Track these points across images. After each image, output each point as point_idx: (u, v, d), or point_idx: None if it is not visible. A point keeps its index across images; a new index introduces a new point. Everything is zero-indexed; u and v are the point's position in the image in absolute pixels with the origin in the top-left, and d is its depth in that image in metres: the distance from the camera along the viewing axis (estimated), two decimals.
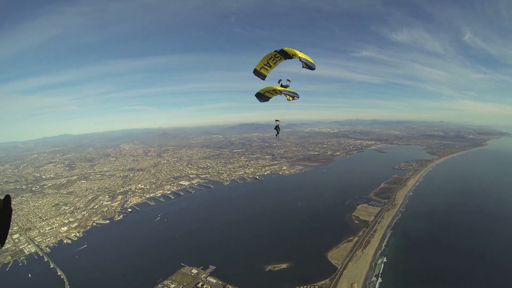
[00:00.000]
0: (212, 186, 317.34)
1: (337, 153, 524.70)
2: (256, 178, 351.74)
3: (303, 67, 35.69)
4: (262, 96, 39.71)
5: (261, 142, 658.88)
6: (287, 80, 38.74)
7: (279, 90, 37.12)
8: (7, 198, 9.61)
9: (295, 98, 38.17)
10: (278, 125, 44.66)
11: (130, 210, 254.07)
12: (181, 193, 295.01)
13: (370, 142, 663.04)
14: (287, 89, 38.01)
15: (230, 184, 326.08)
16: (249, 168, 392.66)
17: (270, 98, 40.22)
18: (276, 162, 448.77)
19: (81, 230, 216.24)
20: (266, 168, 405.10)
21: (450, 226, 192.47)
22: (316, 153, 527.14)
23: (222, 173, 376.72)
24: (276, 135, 46.39)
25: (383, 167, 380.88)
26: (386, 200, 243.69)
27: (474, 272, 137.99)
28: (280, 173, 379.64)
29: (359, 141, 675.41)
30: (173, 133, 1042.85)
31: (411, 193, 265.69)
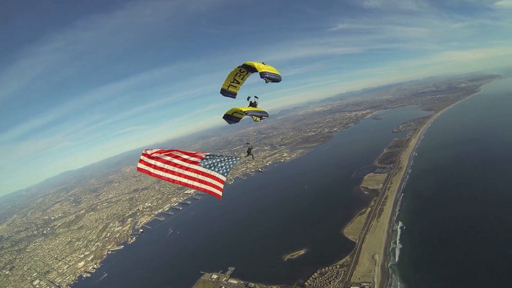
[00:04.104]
0: None
1: (334, 129, 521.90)
2: (259, 171, 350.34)
3: (266, 82, 32.82)
4: (231, 118, 36.81)
5: (258, 134, 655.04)
6: (255, 97, 36.45)
7: (244, 112, 34.16)
8: None
9: (264, 117, 35.33)
10: (249, 147, 41.53)
11: (141, 230, 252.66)
12: (188, 202, 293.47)
13: (364, 112, 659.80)
14: (255, 108, 35.49)
15: (235, 183, 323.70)
16: (250, 163, 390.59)
17: (240, 118, 37.47)
18: (276, 150, 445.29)
19: (98, 261, 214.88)
20: (267, 158, 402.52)
21: (458, 177, 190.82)
22: (313, 133, 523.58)
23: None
24: (252, 157, 42.90)
25: (382, 133, 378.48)
26: (391, 165, 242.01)
27: (486, 216, 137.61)
28: (282, 160, 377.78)
29: (353, 113, 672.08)
30: (170, 146, 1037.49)
31: (415, 153, 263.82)
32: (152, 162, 29.31)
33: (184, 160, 29.95)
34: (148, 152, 29.49)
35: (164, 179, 29.61)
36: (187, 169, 29.73)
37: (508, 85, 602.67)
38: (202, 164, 30.06)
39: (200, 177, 29.92)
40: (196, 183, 29.75)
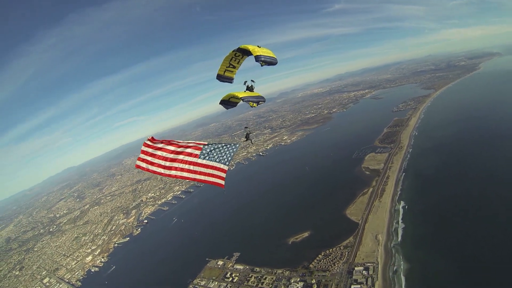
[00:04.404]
0: None
1: (334, 110, 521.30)
2: (260, 155, 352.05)
3: (262, 65, 32.49)
4: (228, 103, 35.73)
5: (257, 118, 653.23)
6: (251, 81, 35.91)
7: (240, 98, 33.40)
8: None
9: (260, 102, 34.71)
10: (247, 132, 40.81)
11: (146, 221, 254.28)
12: (191, 190, 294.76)
13: (364, 92, 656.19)
14: (251, 94, 34.73)
15: (236, 168, 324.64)
16: (251, 147, 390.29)
17: (238, 103, 36.61)
18: (276, 134, 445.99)
19: (105, 254, 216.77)
20: (268, 142, 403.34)
21: (459, 155, 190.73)
22: (313, 115, 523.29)
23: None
24: (251, 142, 41.92)
25: (382, 112, 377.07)
26: (392, 145, 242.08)
27: (486, 193, 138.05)
28: (282, 143, 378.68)
29: (352, 93, 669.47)
30: (170, 135, 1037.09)
31: (415, 132, 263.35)
32: (150, 159, 29.03)
33: (184, 153, 29.62)
34: (148, 147, 29.11)
35: (165, 176, 29.35)
36: (187, 162, 29.40)
37: (508, 63, 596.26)
38: (202, 156, 29.74)
39: (201, 169, 29.62)
40: (198, 176, 29.46)
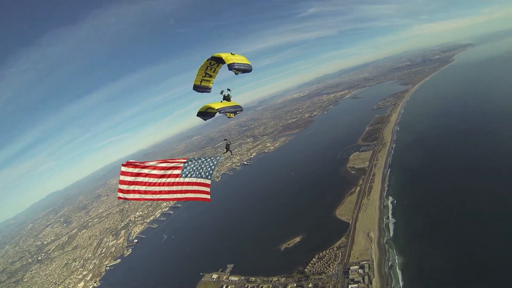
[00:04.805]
0: None
1: (315, 113, 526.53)
2: (245, 164, 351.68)
3: (236, 74, 31.53)
4: (206, 114, 34.82)
5: (239, 127, 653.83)
6: (227, 89, 35.02)
7: (216, 109, 32.59)
8: None
9: (238, 111, 34.02)
10: (227, 143, 40.05)
11: (136, 240, 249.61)
12: (179, 205, 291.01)
13: (343, 93, 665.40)
14: (227, 104, 33.85)
15: (222, 179, 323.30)
16: (235, 157, 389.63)
17: (215, 113, 35.52)
18: (258, 141, 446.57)
19: (97, 279, 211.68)
20: (251, 150, 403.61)
21: (441, 147, 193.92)
22: (294, 120, 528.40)
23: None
24: (231, 153, 41.02)
25: (363, 111, 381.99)
26: (375, 142, 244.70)
27: (470, 183, 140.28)
28: (266, 151, 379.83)
29: (332, 95, 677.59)
30: (154, 151, 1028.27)
31: (397, 128, 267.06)
32: (132, 187, 27.91)
33: (165, 175, 28.65)
34: (126, 175, 28.10)
35: (149, 200, 28.58)
36: (170, 184, 28.63)
37: (480, 52, 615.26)
38: (183, 175, 29.04)
39: (185, 187, 29.04)
40: (183, 195, 28.87)
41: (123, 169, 27.94)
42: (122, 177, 27.72)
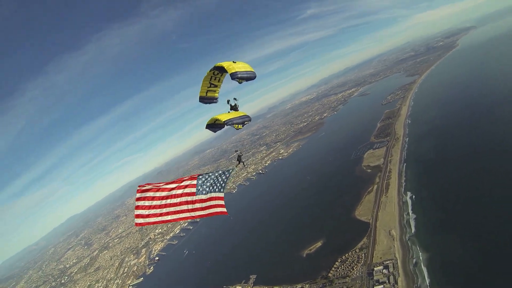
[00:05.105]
0: None
1: (325, 115, 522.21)
2: (260, 173, 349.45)
3: (239, 83, 30.52)
4: (215, 126, 33.62)
5: (251, 137, 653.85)
6: (234, 99, 34.06)
7: (223, 122, 31.29)
8: None
9: (246, 122, 32.53)
10: (239, 154, 38.87)
11: (157, 258, 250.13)
12: (197, 220, 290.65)
13: (350, 91, 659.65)
14: (235, 114, 32.62)
15: (238, 190, 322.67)
16: (250, 167, 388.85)
17: (224, 125, 34.17)
18: (272, 149, 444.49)
19: None
20: (265, 158, 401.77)
21: (455, 135, 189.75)
22: (305, 123, 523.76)
23: (227, 183, 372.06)
24: (243, 164, 39.61)
25: (372, 107, 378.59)
26: (388, 138, 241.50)
27: (491, 168, 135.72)
28: (280, 157, 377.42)
29: (340, 95, 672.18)
30: (168, 168, 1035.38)
31: (408, 121, 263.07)
32: (147, 211, 27.54)
33: (180, 195, 28.42)
34: (140, 201, 27.68)
35: (167, 222, 28.27)
36: (186, 203, 28.34)
37: (483, 34, 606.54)
38: (198, 192, 28.72)
39: (201, 205, 28.64)
40: (199, 212, 28.49)
41: (138, 195, 27.78)
42: (138, 203, 27.40)
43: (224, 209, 29.32)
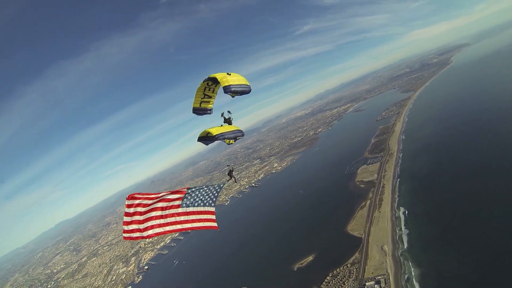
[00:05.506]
0: None
1: (319, 130, 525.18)
2: (253, 186, 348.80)
3: (232, 97, 29.76)
4: (207, 138, 32.49)
5: (245, 150, 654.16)
6: (228, 112, 33.39)
7: (215, 136, 30.71)
8: None
9: (238, 137, 32.42)
10: (230, 169, 38.40)
11: (147, 267, 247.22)
12: (189, 231, 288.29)
13: (345, 107, 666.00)
14: (227, 128, 32.07)
15: (231, 203, 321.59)
16: (243, 180, 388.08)
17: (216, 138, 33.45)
18: (266, 163, 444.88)
19: None
20: (259, 172, 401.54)
21: (448, 151, 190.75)
22: (299, 138, 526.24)
23: (220, 195, 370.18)
24: (235, 180, 38.95)
25: (367, 123, 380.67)
26: (382, 153, 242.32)
27: (485, 186, 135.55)
28: (273, 171, 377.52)
29: (335, 110, 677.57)
30: (161, 178, 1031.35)
31: (402, 136, 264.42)
32: (136, 226, 27.05)
33: (167, 207, 28.01)
34: (128, 216, 27.06)
35: (155, 235, 27.85)
36: (172, 215, 27.85)
37: (477, 51, 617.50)
38: (184, 205, 28.31)
39: (187, 217, 28.28)
40: (187, 225, 28.18)
41: (127, 209, 27.28)
42: (126, 218, 26.93)
43: (215, 224, 29.03)
